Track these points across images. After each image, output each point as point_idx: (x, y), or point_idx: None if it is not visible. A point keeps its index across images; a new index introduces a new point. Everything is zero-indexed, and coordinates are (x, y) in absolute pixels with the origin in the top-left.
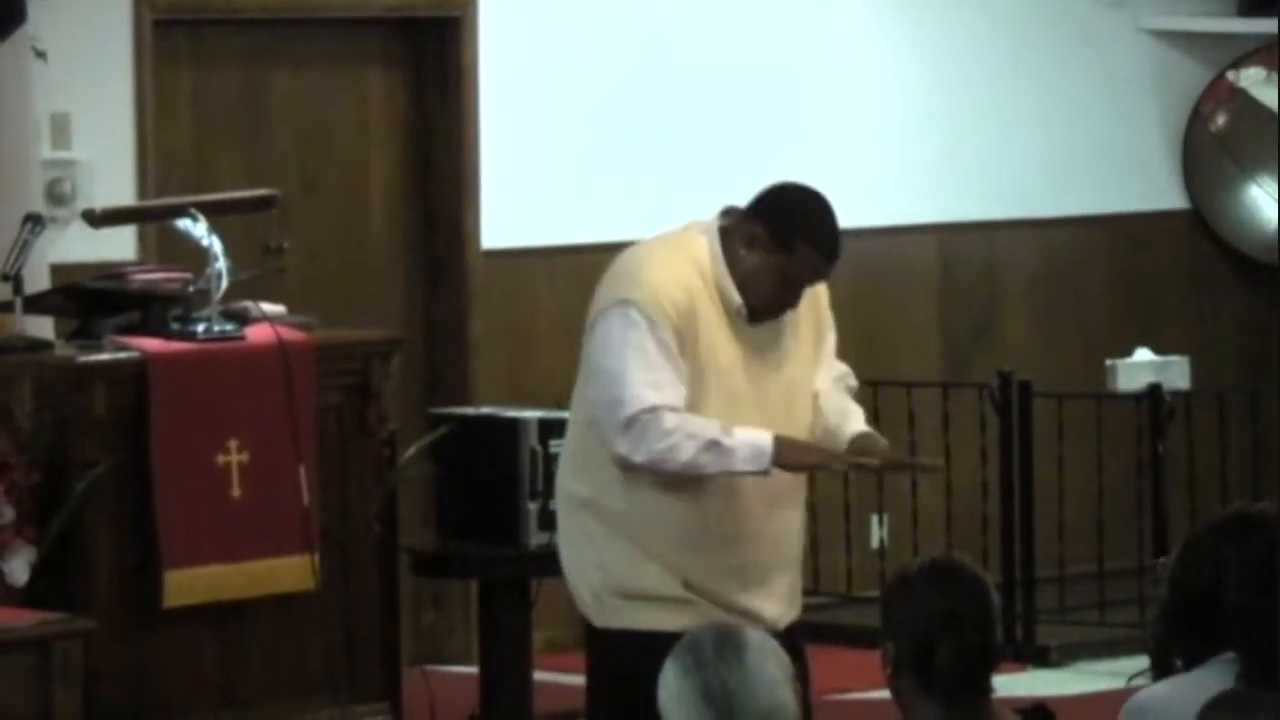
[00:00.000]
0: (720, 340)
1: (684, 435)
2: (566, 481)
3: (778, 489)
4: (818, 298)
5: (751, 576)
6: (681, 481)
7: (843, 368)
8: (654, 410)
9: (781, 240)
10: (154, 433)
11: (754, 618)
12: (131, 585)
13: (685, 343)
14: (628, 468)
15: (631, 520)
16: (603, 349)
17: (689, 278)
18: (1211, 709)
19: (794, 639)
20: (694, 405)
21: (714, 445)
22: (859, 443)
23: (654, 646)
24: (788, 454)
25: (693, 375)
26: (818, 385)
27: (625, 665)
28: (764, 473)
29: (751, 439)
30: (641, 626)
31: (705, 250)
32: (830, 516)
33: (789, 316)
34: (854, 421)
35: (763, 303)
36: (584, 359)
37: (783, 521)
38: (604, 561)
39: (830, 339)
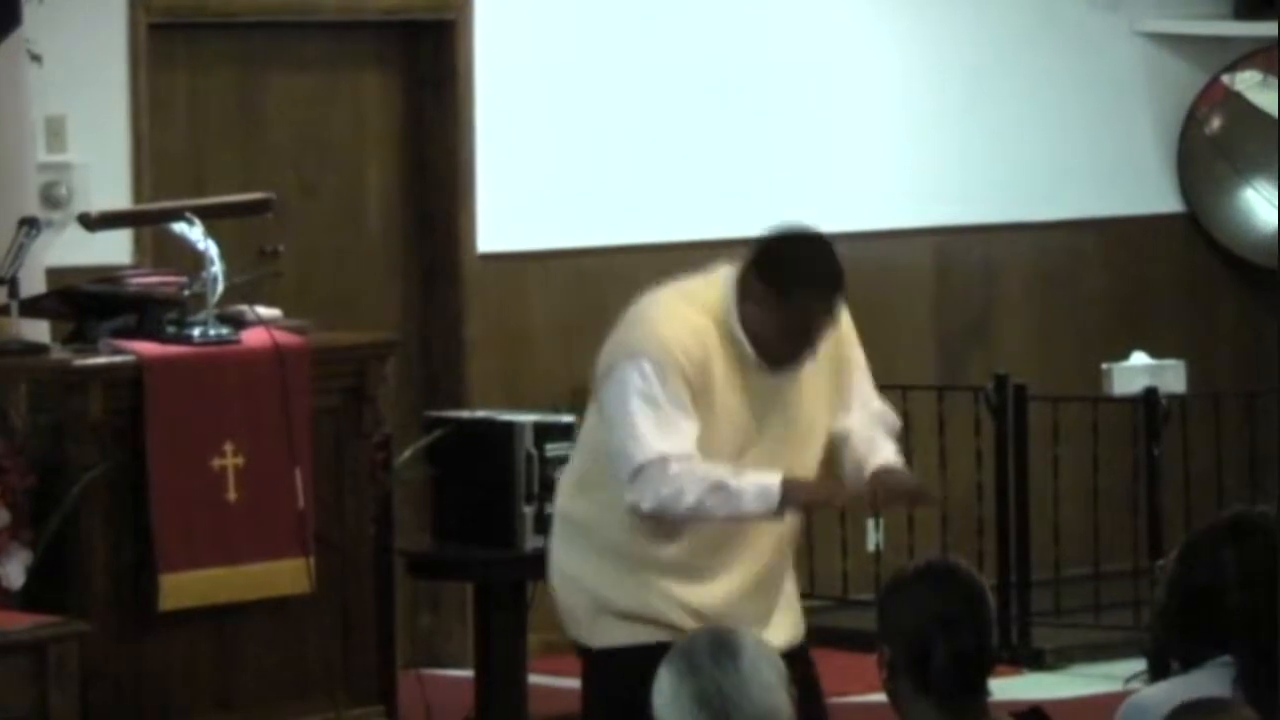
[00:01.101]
0: (733, 389)
1: (690, 479)
2: (566, 503)
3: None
4: (839, 339)
5: (749, 606)
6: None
7: (879, 407)
8: (662, 458)
9: (777, 291)
10: (150, 436)
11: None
12: (127, 588)
13: (697, 393)
14: (640, 515)
15: (628, 548)
16: (616, 401)
17: (703, 329)
18: (1176, 715)
19: (806, 659)
20: (704, 452)
21: (721, 488)
22: (879, 475)
23: (650, 661)
24: (795, 493)
25: (704, 422)
26: (849, 424)
27: (624, 685)
28: (773, 514)
29: (759, 480)
30: (638, 641)
31: (719, 301)
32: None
33: (808, 364)
34: (880, 454)
35: (777, 353)
36: (596, 397)
37: (779, 552)
38: (598, 584)
39: (857, 378)
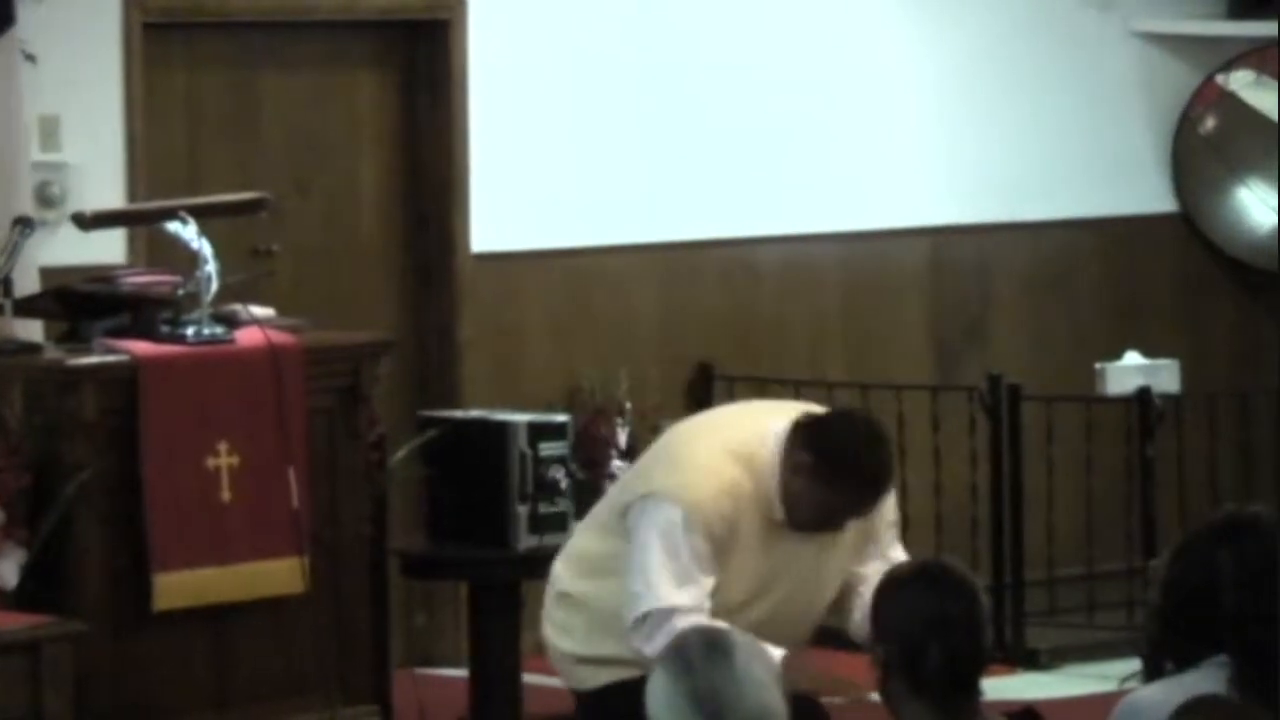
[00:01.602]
0: (755, 546)
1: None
2: (567, 577)
3: (785, 623)
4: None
5: None
6: None
7: (898, 557)
8: (671, 611)
9: (826, 475)
10: (144, 436)
11: None
12: (122, 588)
13: (719, 548)
14: (638, 654)
15: (615, 629)
16: (640, 539)
17: (740, 488)
18: (1180, 714)
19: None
20: (714, 596)
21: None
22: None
23: (636, 692)
24: (789, 674)
25: (720, 570)
26: (866, 572)
27: (612, 717)
28: None
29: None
30: (624, 677)
31: (767, 460)
32: None
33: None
34: None
35: (804, 523)
36: (626, 508)
37: (792, 635)
38: (588, 639)
39: (886, 532)
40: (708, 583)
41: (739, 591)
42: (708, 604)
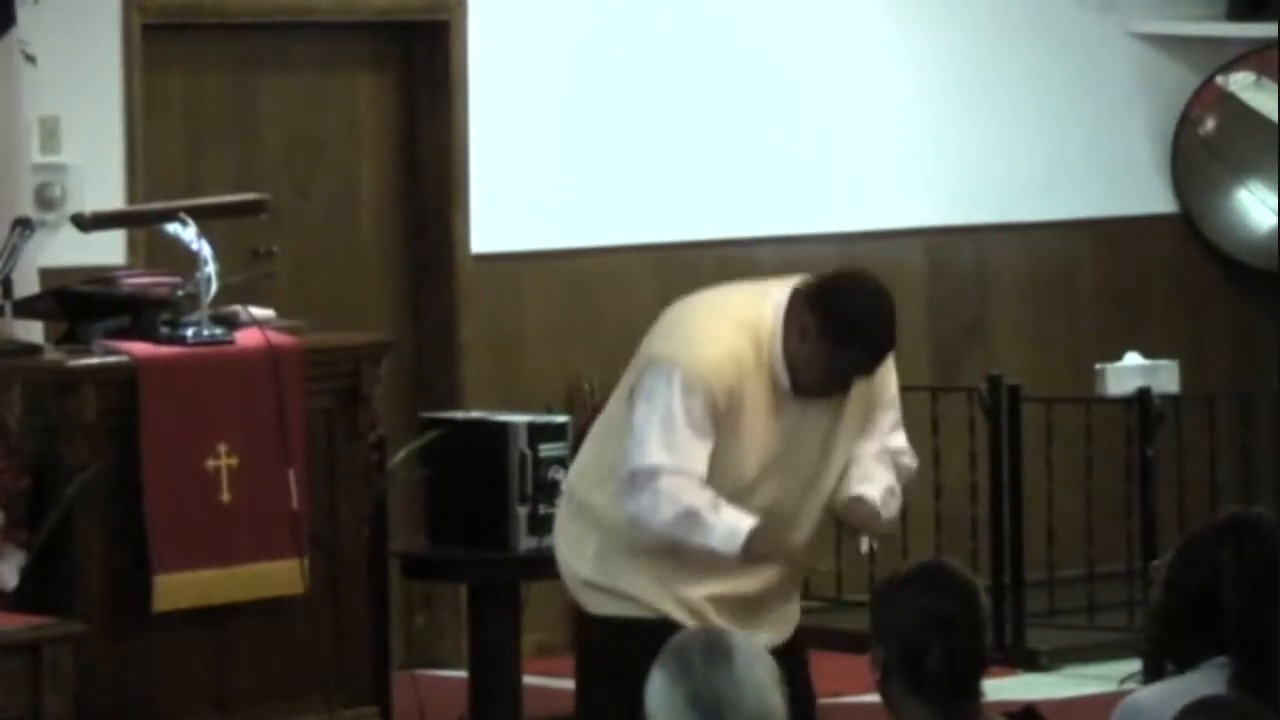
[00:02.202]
0: (762, 413)
1: (669, 498)
2: (582, 487)
3: (794, 503)
4: (878, 375)
5: (748, 608)
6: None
7: (898, 445)
8: (655, 470)
9: (833, 335)
10: (144, 437)
11: None
12: (121, 589)
13: (723, 415)
14: (627, 516)
15: (634, 540)
16: (643, 402)
17: (742, 353)
18: (1186, 715)
19: (795, 652)
20: (725, 470)
21: (692, 515)
22: (850, 505)
23: (642, 632)
24: (759, 545)
25: (729, 442)
26: (860, 451)
27: (614, 650)
28: (734, 556)
29: (731, 521)
30: (631, 615)
31: (769, 326)
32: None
33: (835, 403)
34: (864, 486)
35: (811, 387)
36: (629, 386)
37: (788, 570)
38: (600, 565)
39: (890, 415)
40: (701, 448)
41: (751, 464)
42: (700, 470)
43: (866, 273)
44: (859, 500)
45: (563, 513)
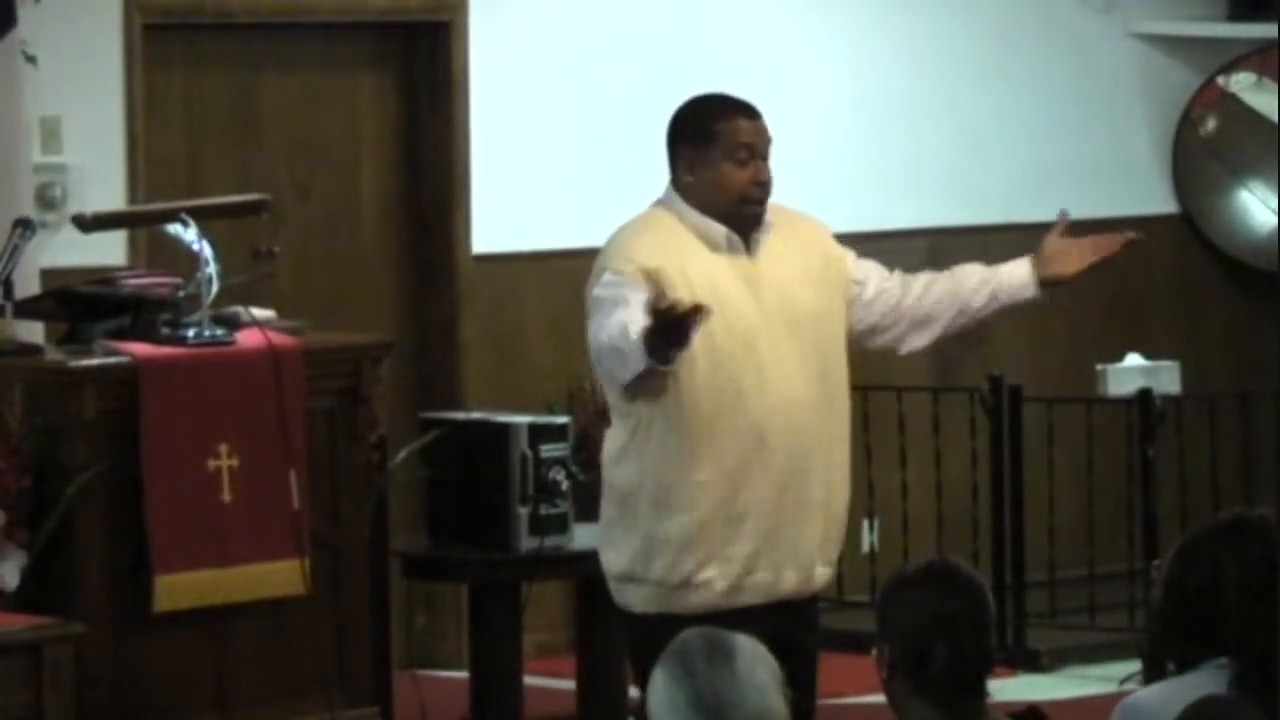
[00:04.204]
0: (715, 279)
1: (616, 323)
2: (609, 475)
3: (801, 454)
4: (814, 237)
5: (791, 550)
6: (702, 459)
7: (884, 270)
8: (620, 325)
9: (704, 133)
10: (144, 437)
11: (771, 590)
12: (122, 589)
13: (671, 275)
14: (619, 394)
15: (669, 497)
16: (590, 321)
17: (663, 236)
18: (1185, 716)
19: (808, 610)
20: (714, 349)
21: (624, 331)
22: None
23: (663, 628)
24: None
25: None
26: (882, 285)
27: (643, 644)
28: (649, 359)
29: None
30: (652, 610)
31: (669, 211)
32: None
33: (785, 251)
34: (973, 270)
35: (741, 201)
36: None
37: (808, 488)
38: (620, 550)
39: (856, 261)
40: (641, 298)
41: (733, 326)
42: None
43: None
44: (978, 279)
45: (606, 514)
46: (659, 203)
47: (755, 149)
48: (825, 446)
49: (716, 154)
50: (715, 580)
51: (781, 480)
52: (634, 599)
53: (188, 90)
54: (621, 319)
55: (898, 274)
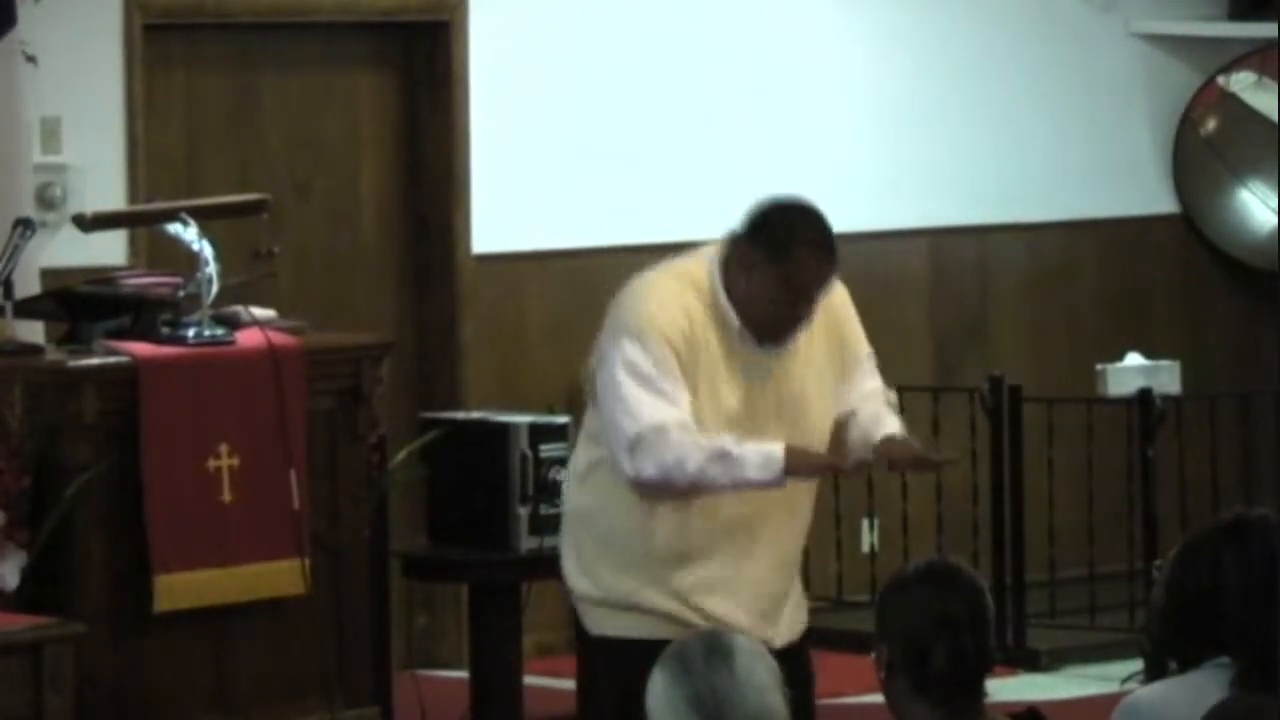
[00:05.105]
0: (722, 366)
1: (692, 447)
2: (572, 496)
3: (766, 501)
4: (835, 317)
5: (742, 591)
6: (658, 512)
7: (877, 384)
8: (660, 426)
9: (776, 252)
10: (145, 437)
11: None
12: (122, 589)
13: (686, 365)
14: (642, 490)
15: (621, 533)
16: (606, 382)
17: (690, 303)
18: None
19: (801, 655)
20: (701, 422)
21: (723, 455)
22: (885, 444)
23: (644, 653)
24: (799, 461)
25: (695, 398)
26: (851, 402)
27: (617, 671)
28: (777, 483)
29: (762, 448)
30: (630, 635)
31: (706, 278)
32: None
33: (800, 339)
34: (885, 427)
35: (772, 322)
36: (590, 382)
37: (776, 535)
38: (593, 574)
39: (857, 356)
40: (684, 397)
41: (724, 414)
42: (692, 420)
43: (782, 194)
44: (892, 440)
45: (563, 528)
46: (699, 256)
47: (811, 292)
48: (788, 504)
49: (775, 275)
50: (657, 602)
51: (730, 529)
52: (594, 619)
53: (188, 90)
54: (678, 419)
55: (874, 401)
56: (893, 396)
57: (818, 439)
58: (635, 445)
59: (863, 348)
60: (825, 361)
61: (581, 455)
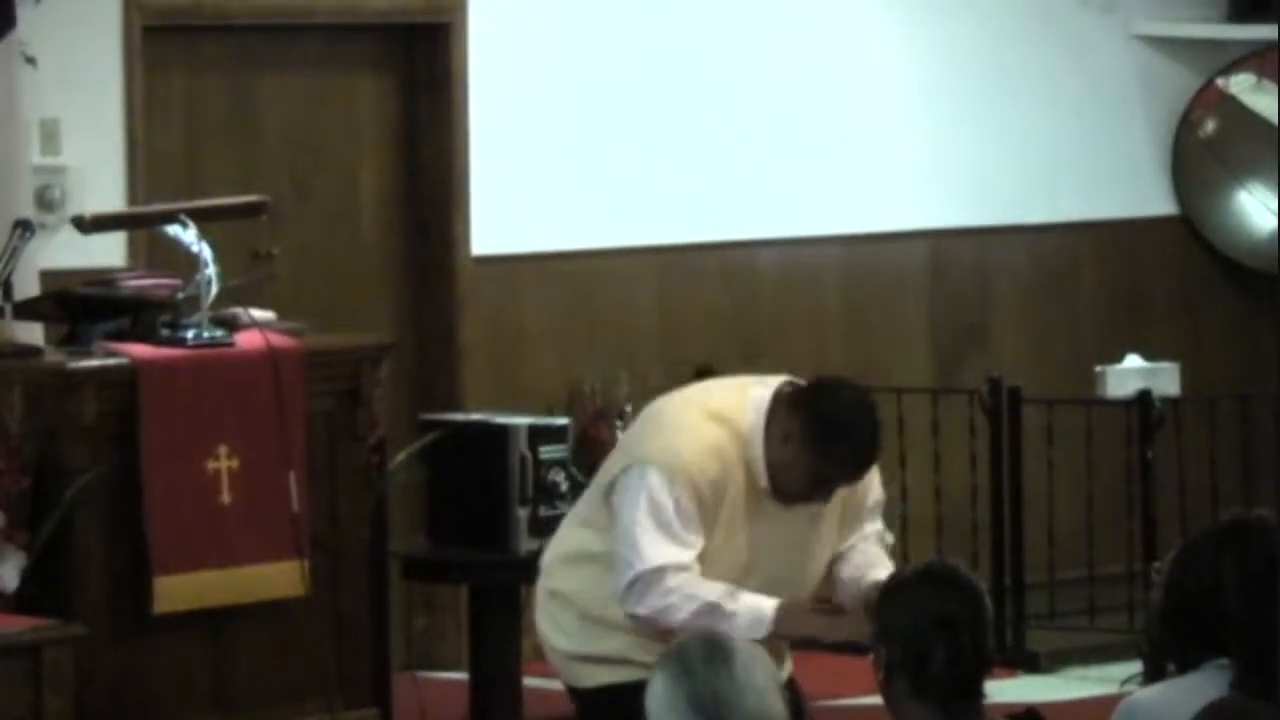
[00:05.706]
0: (742, 514)
1: (684, 596)
2: (557, 573)
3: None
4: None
5: None
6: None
7: (878, 527)
8: (660, 570)
9: (818, 441)
10: (144, 439)
11: None
12: (122, 591)
13: (707, 510)
14: (633, 621)
15: (609, 619)
16: (624, 506)
17: (723, 451)
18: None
19: (791, 685)
20: (706, 570)
21: (713, 609)
22: (875, 591)
23: (636, 696)
24: (787, 623)
25: (709, 542)
26: (850, 542)
27: (620, 709)
28: (762, 638)
29: (753, 605)
30: (621, 680)
31: (749, 426)
32: None
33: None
34: (876, 571)
35: (793, 493)
36: (604, 484)
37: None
38: (582, 635)
39: (870, 505)
40: (697, 542)
41: (728, 565)
42: (696, 566)
43: (850, 381)
44: (876, 586)
45: (540, 597)
46: (748, 402)
47: (837, 486)
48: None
49: (809, 457)
50: (650, 657)
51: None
52: (585, 674)
53: (187, 91)
54: (679, 561)
55: (871, 542)
56: (890, 537)
57: (813, 580)
58: (633, 584)
59: (875, 495)
60: (839, 515)
61: (573, 538)
